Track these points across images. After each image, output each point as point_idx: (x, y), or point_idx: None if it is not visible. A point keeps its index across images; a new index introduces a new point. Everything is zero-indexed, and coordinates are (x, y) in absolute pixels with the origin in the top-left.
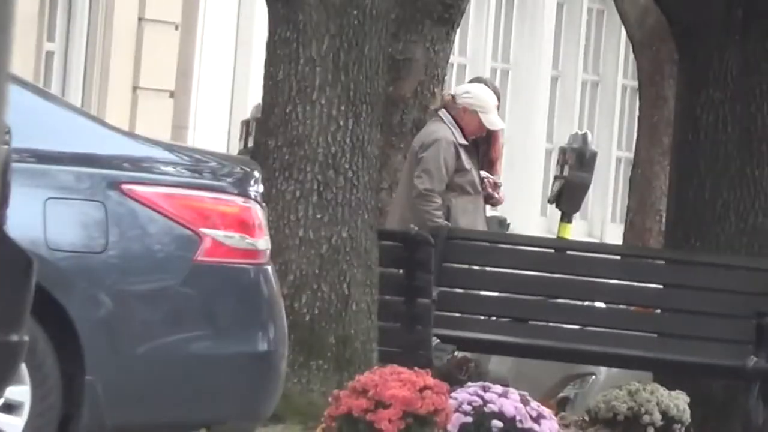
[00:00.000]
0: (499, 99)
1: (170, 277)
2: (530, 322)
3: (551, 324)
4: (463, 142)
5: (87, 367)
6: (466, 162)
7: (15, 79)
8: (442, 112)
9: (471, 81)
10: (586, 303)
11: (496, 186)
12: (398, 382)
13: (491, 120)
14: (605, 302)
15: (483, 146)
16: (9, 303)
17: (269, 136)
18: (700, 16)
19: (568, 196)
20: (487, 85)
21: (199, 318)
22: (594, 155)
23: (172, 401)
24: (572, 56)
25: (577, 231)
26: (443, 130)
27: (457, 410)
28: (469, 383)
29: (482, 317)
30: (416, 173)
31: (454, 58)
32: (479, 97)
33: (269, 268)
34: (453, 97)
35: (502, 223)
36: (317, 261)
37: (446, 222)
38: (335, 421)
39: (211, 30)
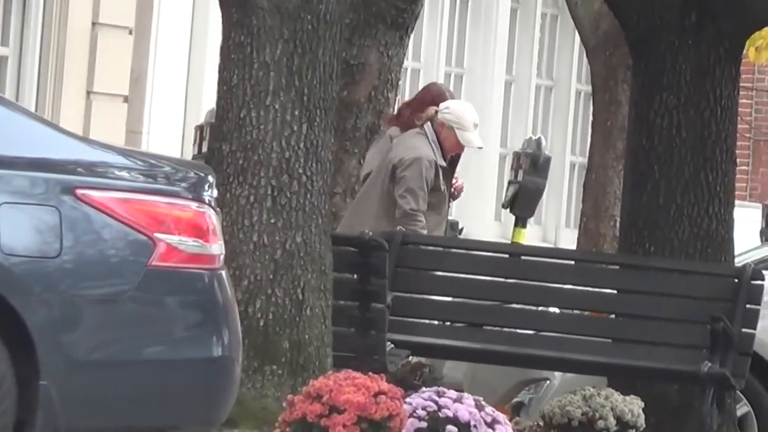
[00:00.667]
0: (452, 98)
1: (125, 282)
2: (485, 327)
3: (506, 329)
4: (443, 163)
5: (41, 372)
6: (442, 183)
7: None
8: (427, 127)
9: (425, 86)
10: (541, 308)
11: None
12: (352, 387)
13: (467, 138)
14: (559, 307)
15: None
16: None
17: (223, 141)
18: (654, 20)
19: (522, 201)
20: (443, 91)
21: (154, 323)
22: (548, 160)
23: (126, 406)
24: (526, 61)
25: (531, 236)
26: (425, 148)
27: (411, 415)
28: (424, 388)
29: (436, 322)
30: (399, 192)
31: (408, 63)
32: (457, 113)
33: (223, 273)
34: (437, 112)
35: (454, 226)
36: (271, 266)
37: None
38: (289, 427)
39: (164, 35)
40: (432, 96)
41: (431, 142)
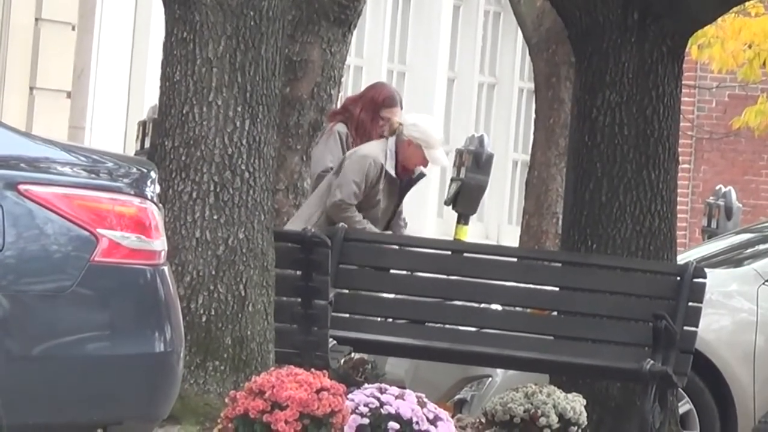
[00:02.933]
0: (401, 102)
1: (67, 277)
2: (427, 324)
3: (448, 326)
4: (392, 172)
5: None
6: (381, 192)
7: None
8: (390, 139)
9: (370, 85)
10: (483, 305)
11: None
12: (295, 384)
13: (435, 156)
14: (502, 304)
15: None
16: None
17: (166, 137)
18: (597, 18)
19: (464, 198)
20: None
21: (96, 319)
22: (490, 157)
23: (68, 402)
24: (468, 58)
25: (473, 233)
26: (377, 151)
27: (353, 412)
28: (366, 385)
29: (379, 319)
30: (336, 181)
31: (351, 60)
32: (425, 131)
33: (166, 268)
34: (401, 125)
35: None
36: (214, 262)
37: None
38: (232, 422)
39: (107, 31)
40: (383, 98)
41: (387, 150)
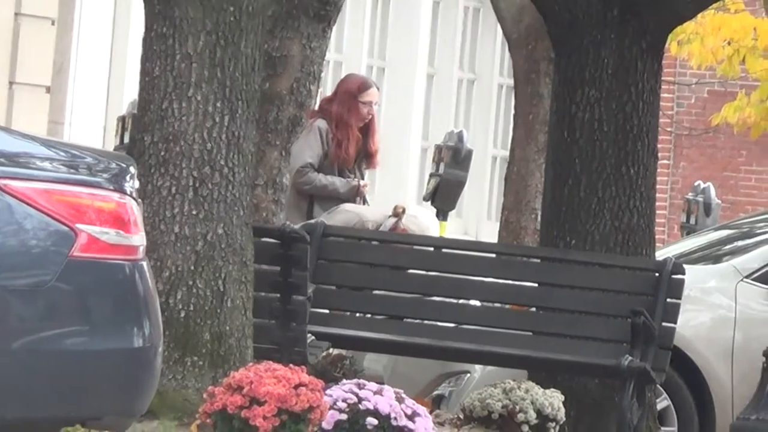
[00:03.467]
0: (375, 84)
1: (45, 272)
2: (405, 320)
3: (426, 321)
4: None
5: None
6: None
7: None
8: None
9: (341, 80)
10: (462, 301)
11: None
12: (273, 379)
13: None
14: (480, 300)
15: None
16: None
17: (145, 132)
18: (576, 14)
19: (443, 194)
20: (365, 79)
21: (75, 314)
22: (469, 153)
23: (46, 397)
24: (448, 54)
25: (452, 229)
26: (318, 122)
27: (332, 407)
28: (344, 380)
29: (357, 314)
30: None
31: (330, 55)
32: (421, 228)
33: (144, 264)
34: (402, 213)
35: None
36: (192, 257)
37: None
38: (210, 418)
39: (87, 26)
40: (357, 86)
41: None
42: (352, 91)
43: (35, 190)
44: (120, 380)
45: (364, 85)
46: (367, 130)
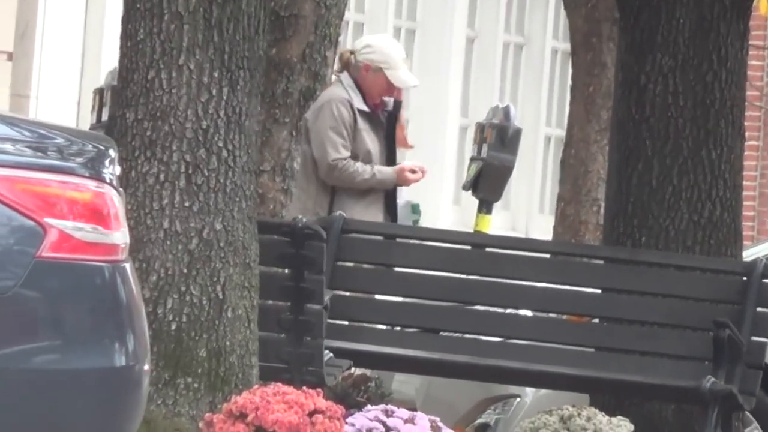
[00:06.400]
0: None
1: (8, 276)
2: (442, 333)
3: (467, 335)
4: (363, 107)
5: None
6: (368, 132)
7: None
8: (343, 75)
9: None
10: (510, 310)
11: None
12: (283, 405)
13: (400, 77)
14: (532, 309)
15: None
16: None
17: (127, 108)
18: None
19: (486, 182)
20: None
21: (43, 326)
22: (518, 133)
23: (8, 427)
24: (492, 13)
25: (498, 223)
26: (337, 92)
27: None
28: (369, 406)
29: (384, 327)
30: (314, 148)
31: (350, 15)
32: (382, 50)
33: (128, 266)
34: (353, 54)
35: (416, 209)
36: (185, 258)
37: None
38: None
39: None
40: None
41: (346, 88)
42: None
43: None
44: (97, 407)
45: None
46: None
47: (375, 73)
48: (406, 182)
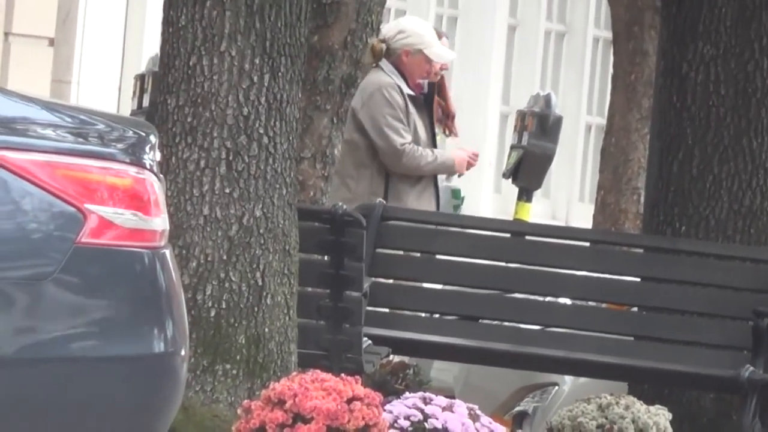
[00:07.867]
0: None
1: (48, 262)
2: (481, 321)
3: (506, 323)
4: (410, 92)
5: None
6: (417, 117)
7: None
8: (383, 62)
9: None
10: (549, 299)
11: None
12: (321, 392)
13: (438, 53)
14: (571, 298)
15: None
16: None
17: (168, 94)
18: None
19: (527, 170)
20: None
21: (83, 312)
22: (559, 121)
23: (47, 412)
24: (533, 1)
25: (538, 211)
26: (384, 78)
27: (392, 426)
28: (407, 393)
29: (423, 314)
30: (373, 136)
31: (392, 2)
32: (416, 31)
33: (167, 252)
34: (385, 42)
35: (456, 194)
36: (225, 244)
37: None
38: None
39: None
40: None
41: (389, 73)
42: None
43: (35, 162)
44: (136, 393)
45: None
46: (438, 90)
47: (414, 56)
48: (463, 168)
